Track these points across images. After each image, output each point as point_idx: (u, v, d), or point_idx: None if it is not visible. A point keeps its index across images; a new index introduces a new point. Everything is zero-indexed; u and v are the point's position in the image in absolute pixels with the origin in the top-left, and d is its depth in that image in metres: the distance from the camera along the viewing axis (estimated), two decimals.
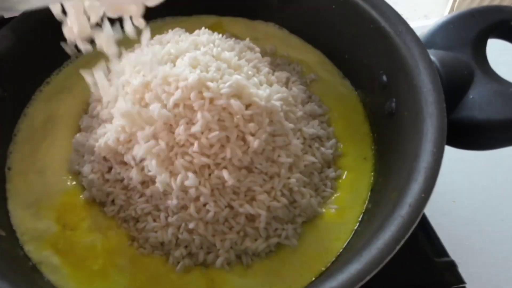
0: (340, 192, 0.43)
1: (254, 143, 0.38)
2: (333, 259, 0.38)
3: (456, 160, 0.67)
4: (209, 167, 0.39)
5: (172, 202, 0.38)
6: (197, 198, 0.39)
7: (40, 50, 0.51)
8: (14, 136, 0.48)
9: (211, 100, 0.38)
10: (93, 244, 0.40)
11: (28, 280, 0.37)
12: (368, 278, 0.26)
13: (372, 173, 0.44)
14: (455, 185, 0.65)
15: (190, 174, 0.38)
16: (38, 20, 0.49)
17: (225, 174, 0.38)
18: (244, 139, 0.39)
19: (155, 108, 0.38)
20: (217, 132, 0.37)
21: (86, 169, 0.44)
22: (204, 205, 0.39)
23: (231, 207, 0.39)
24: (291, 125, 0.43)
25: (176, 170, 0.38)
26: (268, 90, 0.42)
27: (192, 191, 0.38)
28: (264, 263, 0.39)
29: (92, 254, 0.40)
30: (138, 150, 0.39)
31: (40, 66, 0.52)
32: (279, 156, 0.41)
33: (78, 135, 0.46)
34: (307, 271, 0.37)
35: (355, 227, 0.40)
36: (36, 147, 0.47)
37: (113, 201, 0.43)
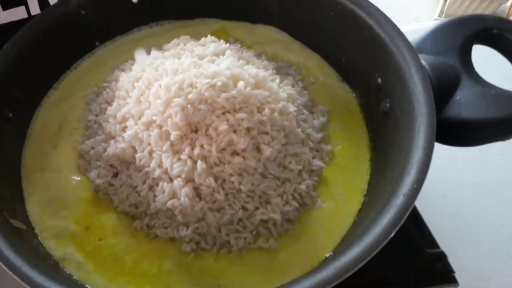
0: (340, 187, 0.46)
1: (267, 151, 0.41)
2: (334, 247, 0.42)
3: (446, 158, 0.70)
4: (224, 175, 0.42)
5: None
6: (212, 203, 0.42)
7: (52, 52, 0.53)
8: (28, 135, 0.50)
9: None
10: (116, 242, 0.42)
11: (54, 271, 0.39)
12: (368, 259, 0.29)
13: (369, 169, 0.47)
14: (445, 181, 0.68)
15: (211, 180, 0.40)
16: (53, 19, 0.51)
17: (237, 181, 0.41)
18: (258, 148, 0.43)
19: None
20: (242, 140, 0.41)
21: (92, 174, 0.46)
22: (219, 210, 0.42)
23: (245, 209, 0.42)
24: (303, 135, 0.46)
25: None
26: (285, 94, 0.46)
27: (208, 198, 0.41)
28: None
29: (116, 251, 0.42)
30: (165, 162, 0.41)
31: (54, 66, 0.54)
32: (290, 163, 0.44)
33: (83, 145, 0.48)
34: (312, 258, 0.40)
35: (353, 219, 0.44)
36: (51, 147, 0.49)
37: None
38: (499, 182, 0.68)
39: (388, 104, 0.44)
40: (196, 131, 0.43)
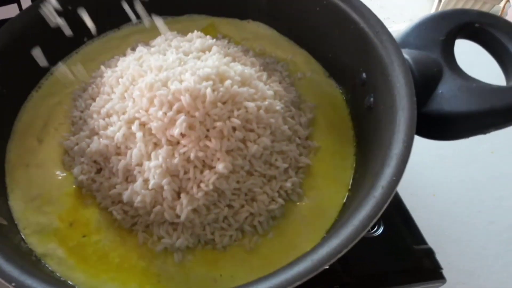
0: (325, 182, 0.46)
1: (253, 149, 0.41)
2: (317, 242, 0.41)
3: (436, 156, 0.71)
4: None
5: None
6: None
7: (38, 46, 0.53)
8: (13, 131, 0.50)
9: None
10: (100, 239, 0.42)
11: (35, 267, 0.38)
12: (344, 251, 0.29)
13: (353, 164, 0.47)
14: (435, 180, 0.68)
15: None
16: (39, 14, 0.51)
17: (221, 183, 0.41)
18: (245, 145, 0.42)
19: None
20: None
21: (76, 170, 0.46)
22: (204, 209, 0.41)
23: (231, 207, 0.42)
24: (290, 132, 0.46)
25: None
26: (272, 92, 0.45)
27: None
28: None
29: (100, 247, 0.42)
30: (148, 165, 0.41)
31: (37, 66, 0.53)
32: (276, 160, 0.44)
33: (68, 141, 0.48)
34: (294, 252, 0.40)
35: (338, 214, 0.43)
36: (36, 142, 0.49)
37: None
38: (489, 180, 0.69)
39: (372, 99, 0.44)
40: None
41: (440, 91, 0.39)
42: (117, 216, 0.43)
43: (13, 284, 0.31)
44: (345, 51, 0.49)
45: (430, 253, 0.50)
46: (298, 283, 0.28)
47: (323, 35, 0.52)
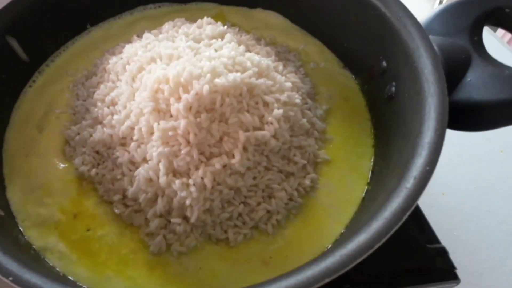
0: (343, 176, 0.44)
1: (272, 143, 0.39)
2: (336, 238, 0.39)
3: (445, 154, 0.69)
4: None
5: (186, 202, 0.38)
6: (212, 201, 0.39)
7: (38, 33, 0.50)
8: (11, 118, 0.48)
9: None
10: (105, 233, 0.40)
11: (34, 262, 0.36)
12: (377, 246, 0.27)
13: (372, 157, 0.45)
14: (443, 178, 0.66)
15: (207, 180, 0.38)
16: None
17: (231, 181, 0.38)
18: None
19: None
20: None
21: (77, 161, 0.43)
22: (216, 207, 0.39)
23: (247, 204, 0.40)
24: (308, 125, 0.44)
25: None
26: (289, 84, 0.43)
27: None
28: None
29: (105, 242, 0.39)
30: (151, 151, 0.39)
31: (40, 49, 0.52)
32: (294, 155, 0.42)
33: (69, 131, 0.46)
34: (313, 249, 0.38)
35: (357, 209, 0.41)
36: (36, 131, 0.47)
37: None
38: (498, 179, 0.67)
39: (393, 88, 0.42)
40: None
41: (468, 79, 0.36)
42: (120, 211, 0.41)
43: (11, 278, 0.29)
44: (363, 39, 0.47)
45: (443, 252, 0.48)
46: (326, 280, 0.25)
47: (339, 22, 0.50)
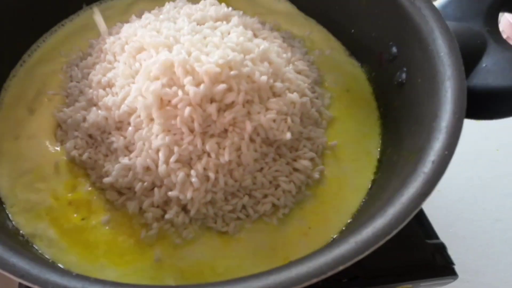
0: (349, 166, 0.42)
1: (287, 135, 0.37)
2: (341, 229, 0.38)
3: None
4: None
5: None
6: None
7: (30, 11, 0.48)
8: (1, 98, 0.45)
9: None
10: (99, 221, 0.38)
11: (23, 247, 0.34)
12: (394, 232, 0.25)
13: (379, 146, 0.43)
14: None
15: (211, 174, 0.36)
16: None
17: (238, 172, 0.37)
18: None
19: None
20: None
21: (69, 145, 0.41)
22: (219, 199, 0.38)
23: (252, 196, 0.38)
24: (317, 114, 0.43)
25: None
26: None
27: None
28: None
29: (98, 231, 0.37)
30: (155, 141, 0.37)
31: (29, 29, 0.49)
32: (304, 146, 0.41)
33: (61, 113, 0.43)
34: (318, 238, 0.36)
35: (363, 198, 0.40)
36: (27, 112, 0.44)
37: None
38: (494, 178, 0.67)
39: (404, 74, 0.40)
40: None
41: (484, 65, 0.35)
42: (113, 199, 0.39)
43: None
44: (372, 24, 0.45)
45: (442, 248, 0.48)
46: (341, 267, 0.24)
47: (346, 7, 0.48)
